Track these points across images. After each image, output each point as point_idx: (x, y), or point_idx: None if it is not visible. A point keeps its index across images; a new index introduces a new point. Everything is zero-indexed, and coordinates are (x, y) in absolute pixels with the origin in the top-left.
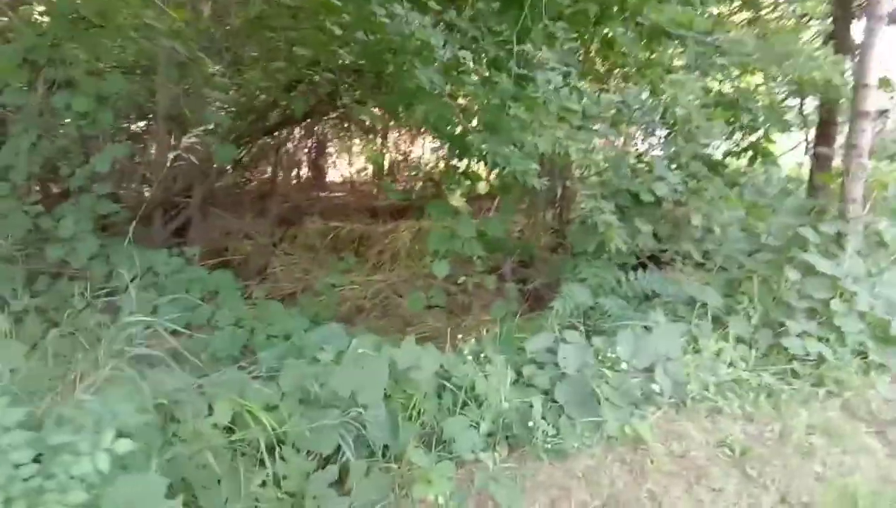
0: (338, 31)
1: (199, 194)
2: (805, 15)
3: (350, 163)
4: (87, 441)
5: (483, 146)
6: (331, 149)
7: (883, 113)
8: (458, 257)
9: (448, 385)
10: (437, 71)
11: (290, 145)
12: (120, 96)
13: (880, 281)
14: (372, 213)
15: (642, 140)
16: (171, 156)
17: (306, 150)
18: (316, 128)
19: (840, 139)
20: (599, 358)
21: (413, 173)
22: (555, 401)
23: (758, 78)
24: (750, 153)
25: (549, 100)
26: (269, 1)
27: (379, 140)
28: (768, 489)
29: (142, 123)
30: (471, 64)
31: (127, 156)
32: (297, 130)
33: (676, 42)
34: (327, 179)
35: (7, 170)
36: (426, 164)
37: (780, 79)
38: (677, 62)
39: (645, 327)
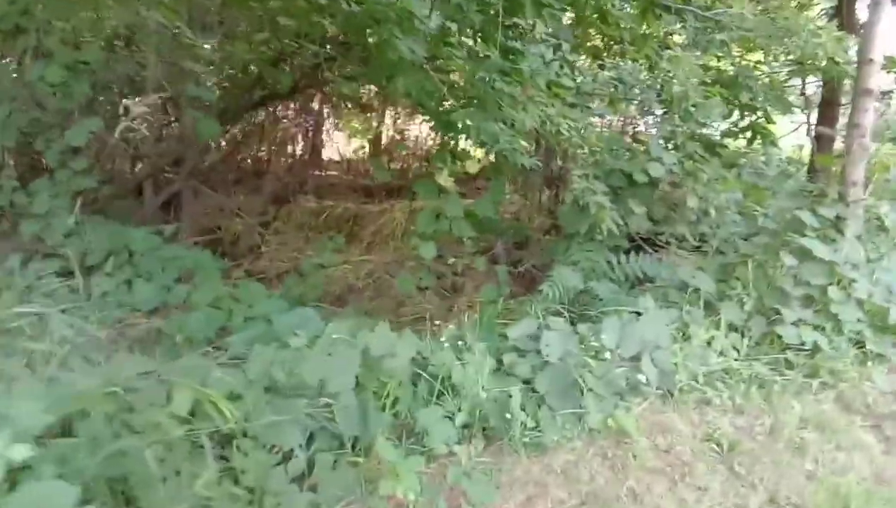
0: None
1: (186, 170)
2: None
3: (347, 142)
4: None
5: (467, 122)
6: (328, 127)
7: (886, 94)
8: (450, 238)
9: (424, 374)
10: (419, 42)
11: (285, 122)
12: (98, 68)
13: (880, 267)
14: (367, 193)
15: (639, 119)
16: (120, 127)
17: (301, 128)
18: (311, 105)
19: (842, 120)
20: (584, 346)
21: (403, 152)
22: (535, 391)
23: (759, 56)
24: (749, 134)
25: (538, 74)
26: None
27: (375, 117)
28: (756, 488)
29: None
30: (457, 35)
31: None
32: (291, 107)
33: (674, 16)
34: (323, 158)
35: None
36: (422, 143)
37: (781, 57)
38: (677, 38)
39: (634, 313)
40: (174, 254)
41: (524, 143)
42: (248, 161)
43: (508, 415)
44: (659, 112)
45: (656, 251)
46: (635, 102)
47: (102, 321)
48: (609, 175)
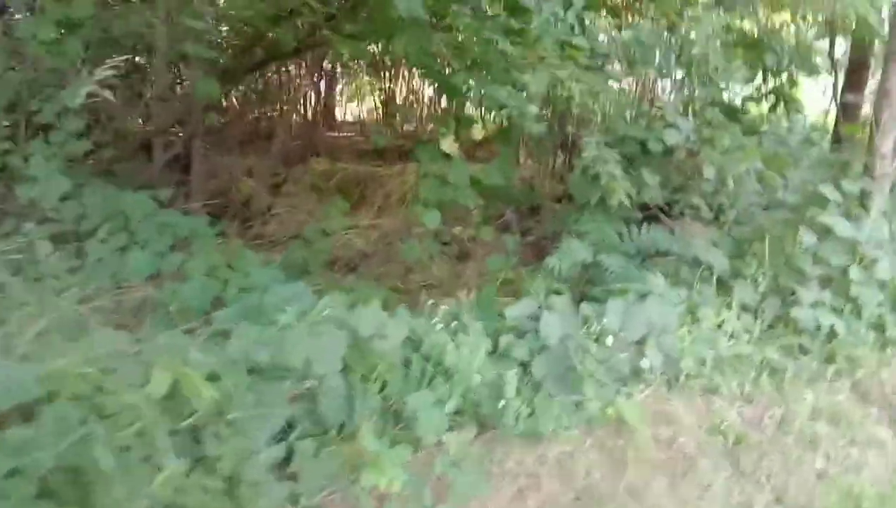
0: None
1: (188, 131)
2: None
3: (361, 102)
4: None
5: (471, 84)
6: (341, 87)
7: None
8: (456, 205)
9: (417, 355)
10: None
11: (298, 81)
12: (95, 24)
13: None
14: (380, 154)
15: (658, 83)
16: (83, 91)
17: (313, 88)
18: (323, 64)
19: (871, 85)
20: (586, 328)
21: (406, 114)
22: (533, 376)
23: (786, 16)
24: (772, 99)
25: (547, 34)
26: None
27: (389, 77)
28: (763, 486)
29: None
30: None
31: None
32: (303, 67)
33: None
34: (336, 118)
35: None
36: (437, 103)
37: (810, 17)
38: None
39: (641, 294)
40: (170, 221)
41: (534, 108)
42: (262, 122)
43: (503, 402)
44: (678, 75)
45: (672, 219)
46: (654, 65)
47: (94, 290)
48: (622, 142)
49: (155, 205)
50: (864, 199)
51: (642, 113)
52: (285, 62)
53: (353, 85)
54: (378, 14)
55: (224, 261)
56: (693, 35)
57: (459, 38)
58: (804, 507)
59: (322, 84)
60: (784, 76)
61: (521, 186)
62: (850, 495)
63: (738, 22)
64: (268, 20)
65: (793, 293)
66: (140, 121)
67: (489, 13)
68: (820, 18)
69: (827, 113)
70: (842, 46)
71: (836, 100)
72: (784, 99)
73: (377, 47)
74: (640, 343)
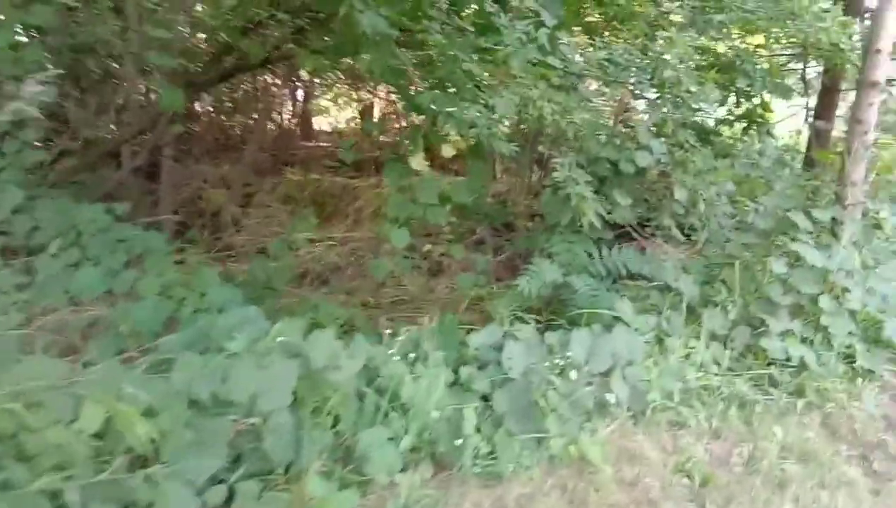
0: None
1: (152, 141)
2: None
3: (338, 112)
4: None
5: (432, 106)
6: (318, 97)
7: (890, 81)
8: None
9: (372, 388)
10: (381, 15)
11: (272, 91)
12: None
13: (876, 275)
14: (357, 166)
15: (631, 103)
16: (10, 109)
17: (289, 97)
18: (299, 74)
19: (842, 107)
20: (551, 360)
21: (382, 126)
22: (494, 411)
23: (759, 39)
24: (745, 121)
25: (517, 53)
26: None
27: (366, 88)
28: None
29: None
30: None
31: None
32: (278, 76)
33: None
34: (313, 129)
35: None
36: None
37: (783, 41)
38: (674, 17)
39: (608, 324)
40: (125, 236)
41: (503, 128)
42: (235, 131)
43: (460, 440)
44: (651, 96)
45: (645, 237)
46: (627, 86)
47: (42, 308)
48: (594, 162)
49: (110, 218)
50: (834, 228)
51: (615, 133)
52: (258, 72)
53: (331, 95)
54: (345, 29)
55: (180, 279)
56: (666, 56)
57: (429, 55)
58: None
59: (298, 94)
60: (756, 99)
61: (496, 202)
62: None
63: (711, 44)
64: (236, 31)
65: (763, 322)
66: (113, 128)
67: (459, 31)
68: (794, 41)
69: (799, 133)
70: (815, 69)
71: (808, 121)
72: (756, 121)
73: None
74: (606, 375)
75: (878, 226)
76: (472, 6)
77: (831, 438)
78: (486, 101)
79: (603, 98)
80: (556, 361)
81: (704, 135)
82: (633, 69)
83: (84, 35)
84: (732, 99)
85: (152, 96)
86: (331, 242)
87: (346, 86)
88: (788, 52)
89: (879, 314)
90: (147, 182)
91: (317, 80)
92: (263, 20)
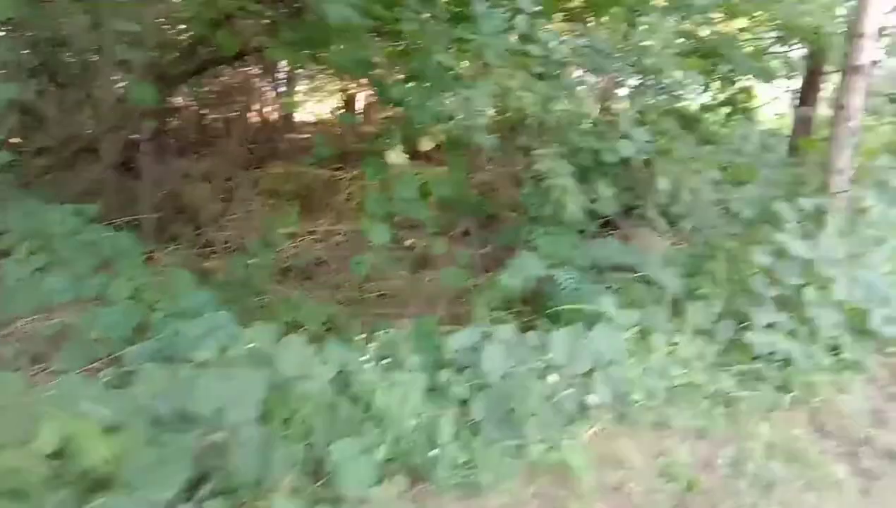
0: None
1: (119, 141)
2: None
3: (322, 103)
4: None
5: (408, 95)
6: (301, 88)
7: (874, 63)
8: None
9: (344, 397)
10: (349, 5)
11: (253, 83)
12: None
13: (862, 264)
14: (342, 158)
15: (613, 91)
16: None
17: (271, 89)
18: (279, 65)
19: (826, 89)
20: (532, 361)
21: (349, 122)
22: (472, 417)
23: (742, 23)
24: (729, 107)
25: (491, 43)
26: None
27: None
28: None
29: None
30: None
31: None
32: (259, 68)
33: None
34: (297, 120)
35: None
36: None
37: (766, 24)
38: (656, 2)
39: (591, 320)
40: (96, 239)
41: (482, 119)
42: (217, 124)
43: (436, 450)
44: (634, 83)
45: (630, 229)
46: (610, 73)
47: (8, 316)
48: (576, 153)
49: (82, 220)
50: (819, 217)
51: (597, 122)
52: (238, 64)
53: (313, 85)
54: (316, 21)
55: (153, 283)
56: (648, 43)
57: (401, 47)
58: None
59: (281, 85)
60: (739, 84)
61: (481, 193)
62: None
63: (693, 29)
64: (208, 23)
65: (748, 315)
66: (90, 124)
67: (434, 20)
68: (777, 23)
69: (784, 116)
70: (799, 51)
71: (793, 105)
72: (740, 107)
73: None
74: (588, 375)
75: (862, 214)
76: None
77: (819, 435)
78: (463, 92)
79: (586, 86)
80: (537, 363)
81: (688, 121)
82: (616, 56)
83: (56, 28)
84: (716, 84)
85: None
86: (314, 236)
87: (328, 77)
88: (772, 34)
89: (865, 304)
90: (126, 178)
91: (299, 71)
92: (234, 12)
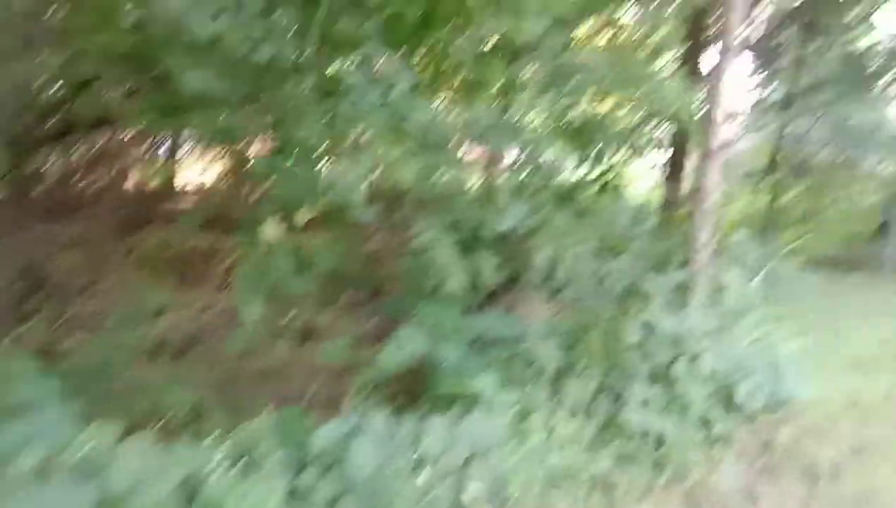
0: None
1: None
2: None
3: (208, 167)
4: None
5: (276, 173)
6: (187, 152)
7: (728, 144)
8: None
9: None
10: (212, 73)
11: (131, 146)
12: None
13: (726, 337)
14: (228, 224)
15: (495, 165)
16: None
17: (151, 153)
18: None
19: (691, 165)
20: (404, 455)
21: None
22: None
23: (612, 103)
24: (601, 182)
25: (363, 118)
26: None
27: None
28: None
29: None
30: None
31: None
32: (137, 130)
33: (527, 59)
34: (181, 185)
35: None
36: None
37: (634, 104)
38: (529, 78)
39: (468, 405)
40: None
41: (358, 195)
42: (90, 189)
43: None
44: (514, 158)
45: (514, 299)
46: (491, 147)
47: None
48: (458, 225)
49: None
50: (685, 292)
51: (479, 195)
52: (108, 127)
53: (201, 150)
54: (174, 87)
55: None
56: (524, 120)
57: (272, 119)
58: None
59: (162, 149)
60: (612, 159)
61: (368, 263)
62: None
63: (568, 108)
64: (69, 88)
65: (623, 391)
66: None
67: (306, 93)
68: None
69: (656, 189)
70: (668, 129)
71: (663, 177)
72: (612, 182)
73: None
74: (465, 465)
75: (723, 288)
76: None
77: None
78: (338, 165)
79: (468, 159)
80: (411, 455)
81: (565, 195)
82: (496, 131)
83: None
84: (589, 160)
85: None
86: (194, 308)
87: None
88: (641, 114)
89: (732, 376)
90: None
91: (185, 133)
92: (92, 78)
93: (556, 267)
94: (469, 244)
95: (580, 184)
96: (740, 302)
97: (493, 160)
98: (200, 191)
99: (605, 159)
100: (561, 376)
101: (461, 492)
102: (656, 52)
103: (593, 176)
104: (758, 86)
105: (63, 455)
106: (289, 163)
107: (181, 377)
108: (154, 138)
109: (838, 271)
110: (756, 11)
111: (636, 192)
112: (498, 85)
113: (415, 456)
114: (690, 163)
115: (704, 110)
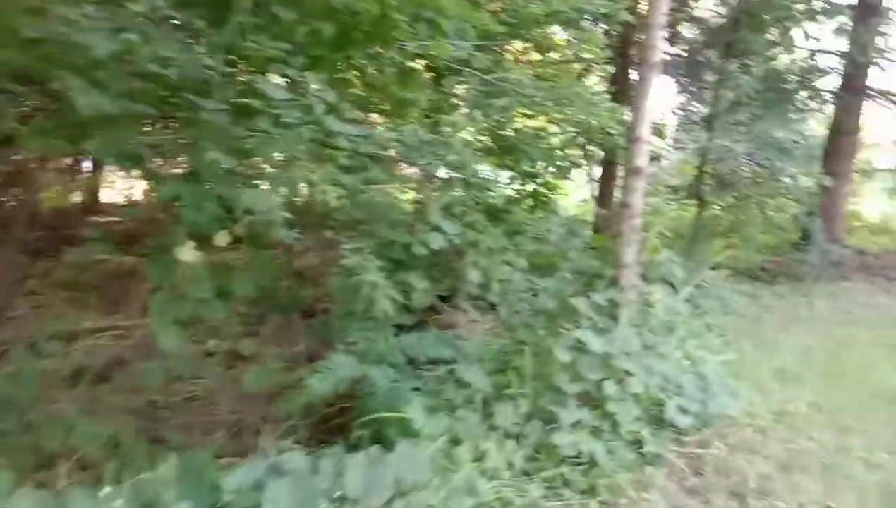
0: None
1: None
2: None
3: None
4: None
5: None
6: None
7: (654, 158)
8: None
9: None
10: (110, 94)
11: (46, 164)
12: None
13: (655, 355)
14: (148, 245)
15: (424, 184)
16: None
17: (71, 170)
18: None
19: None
20: (324, 497)
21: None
22: None
23: (541, 122)
24: (531, 200)
25: (282, 137)
26: None
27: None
28: None
29: None
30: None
31: None
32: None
33: (455, 78)
34: (104, 202)
35: None
36: None
37: (562, 123)
38: (457, 100)
39: (399, 428)
40: None
41: (280, 215)
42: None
43: None
44: (443, 176)
45: (448, 317)
46: (419, 166)
47: None
48: (387, 246)
49: None
50: (613, 310)
51: (407, 215)
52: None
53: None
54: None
55: None
56: (452, 140)
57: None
58: None
59: (85, 165)
60: (539, 179)
61: (297, 285)
62: None
63: (495, 127)
64: None
65: (554, 414)
66: None
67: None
68: (570, 125)
69: (587, 203)
70: (597, 148)
71: (593, 195)
72: (541, 200)
73: None
74: (389, 505)
75: (651, 306)
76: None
77: None
78: (253, 188)
79: (396, 178)
80: (330, 498)
81: (495, 214)
82: (424, 150)
83: None
84: (518, 178)
85: None
86: (116, 331)
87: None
88: (571, 133)
89: (661, 394)
90: None
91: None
92: None
93: (488, 285)
94: (400, 264)
95: (512, 201)
96: (668, 318)
97: (424, 178)
98: (122, 209)
99: (537, 176)
100: (492, 399)
101: None
102: (585, 71)
103: (525, 193)
104: (683, 103)
105: None
106: (204, 186)
107: (99, 407)
108: (76, 156)
109: (762, 281)
110: (679, 30)
111: (568, 209)
112: (426, 103)
113: (335, 498)
114: (619, 180)
115: (628, 133)
